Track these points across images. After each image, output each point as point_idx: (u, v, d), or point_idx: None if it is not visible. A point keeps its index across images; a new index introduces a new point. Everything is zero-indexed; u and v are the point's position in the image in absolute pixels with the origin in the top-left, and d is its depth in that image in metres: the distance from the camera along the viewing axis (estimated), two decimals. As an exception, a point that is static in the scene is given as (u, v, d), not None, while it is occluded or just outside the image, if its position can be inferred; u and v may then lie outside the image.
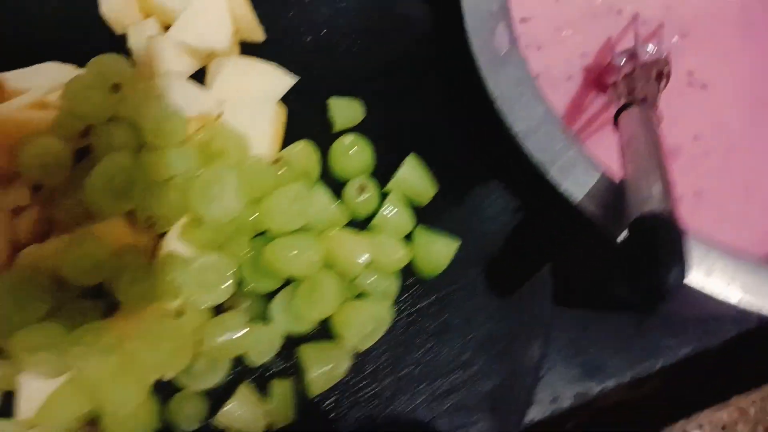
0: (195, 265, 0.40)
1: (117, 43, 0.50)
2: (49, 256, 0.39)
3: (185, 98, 0.43)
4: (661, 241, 0.32)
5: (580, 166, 0.42)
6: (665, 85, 0.51)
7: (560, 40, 0.60)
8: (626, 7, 0.60)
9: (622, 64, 0.54)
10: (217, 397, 0.41)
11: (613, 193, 0.41)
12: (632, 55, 0.54)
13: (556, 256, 0.46)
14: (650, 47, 0.55)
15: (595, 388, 0.55)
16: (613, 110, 0.47)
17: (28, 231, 0.41)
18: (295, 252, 0.40)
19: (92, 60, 0.42)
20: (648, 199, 0.36)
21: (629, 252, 0.33)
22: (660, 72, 0.52)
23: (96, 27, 0.50)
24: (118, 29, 0.50)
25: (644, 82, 0.51)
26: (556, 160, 0.42)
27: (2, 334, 0.38)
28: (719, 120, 0.57)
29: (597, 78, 0.58)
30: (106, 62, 0.41)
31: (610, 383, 0.55)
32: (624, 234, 0.36)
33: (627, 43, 0.57)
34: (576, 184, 0.42)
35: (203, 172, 0.41)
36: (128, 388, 0.38)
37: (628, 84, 0.51)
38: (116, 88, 0.41)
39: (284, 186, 0.43)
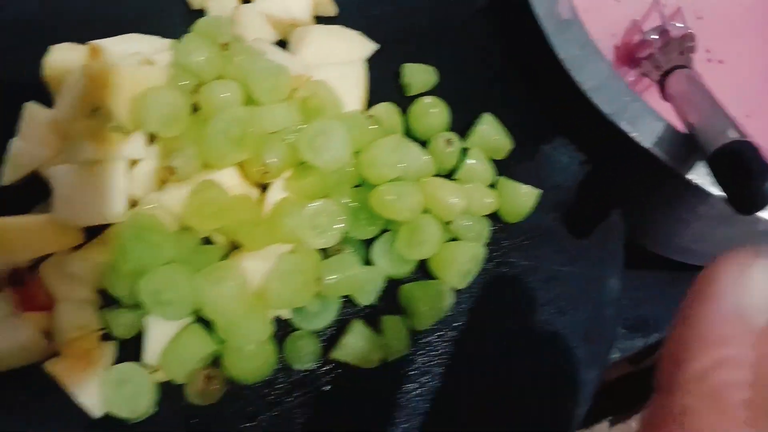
0: (308, 209, 0.42)
1: (195, 19, 0.52)
2: (170, 203, 0.41)
3: (279, 62, 0.46)
4: (750, 159, 0.37)
5: (646, 116, 0.47)
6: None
7: (588, 21, 0.65)
8: (650, -10, 0.66)
9: (654, 37, 0.60)
10: (330, 337, 0.43)
11: (680, 139, 0.46)
12: (663, 31, 0.60)
13: (624, 200, 0.50)
14: (678, 24, 0.61)
15: (639, 342, 0.59)
16: (651, 80, 0.53)
17: (144, 183, 0.42)
18: (400, 197, 0.43)
19: (199, 20, 0.44)
20: (724, 132, 0.41)
21: (721, 174, 0.38)
22: (689, 46, 0.58)
23: (172, 2, 0.53)
24: (196, 4, 0.52)
25: (677, 53, 0.56)
26: (624, 111, 0.47)
27: (129, 279, 0.40)
28: (737, 90, 0.63)
29: (627, 54, 0.63)
30: (212, 22, 0.44)
31: (655, 337, 0.59)
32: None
33: (652, 22, 0.63)
34: (645, 132, 0.46)
35: (309, 125, 0.44)
36: (254, 324, 0.40)
37: (663, 55, 0.57)
38: (225, 46, 0.43)
39: (380, 139, 0.45)
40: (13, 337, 0.40)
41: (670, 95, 0.50)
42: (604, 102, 0.47)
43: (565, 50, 0.49)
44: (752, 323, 0.22)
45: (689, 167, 0.45)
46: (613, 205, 0.50)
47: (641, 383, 0.44)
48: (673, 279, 0.61)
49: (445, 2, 0.55)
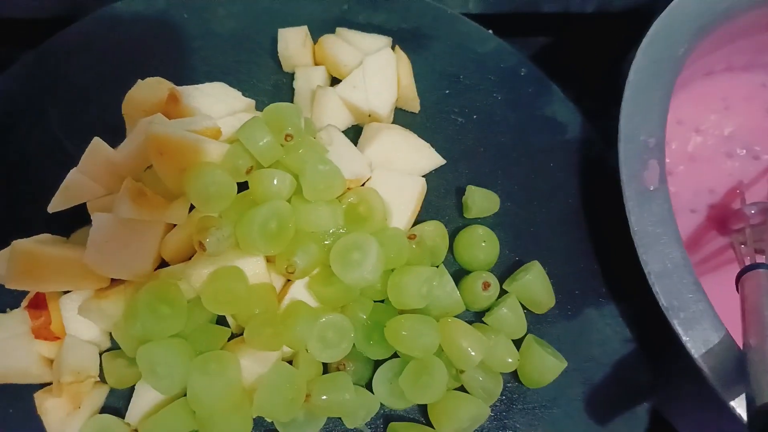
0: (322, 320, 0.41)
1: (282, 79, 0.53)
2: (193, 278, 0.41)
3: (341, 157, 0.45)
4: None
5: (705, 320, 0.43)
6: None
7: (692, 170, 0.60)
8: (765, 156, 0.60)
9: (751, 213, 0.55)
10: (307, 450, 0.43)
11: (733, 360, 0.41)
12: (764, 209, 0.54)
13: (657, 398, 0.46)
14: (783, 207, 0.55)
15: None
16: (735, 255, 0.48)
17: (174, 249, 0.43)
18: (417, 335, 0.41)
19: (271, 105, 0.44)
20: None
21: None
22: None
23: (266, 58, 0.53)
24: (287, 67, 0.53)
25: (772, 241, 0.51)
26: (683, 309, 0.43)
27: (133, 341, 0.40)
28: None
29: (721, 218, 0.58)
30: (283, 110, 0.44)
31: None
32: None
33: (757, 189, 0.58)
34: (698, 339, 0.42)
35: (347, 236, 0.43)
36: (233, 424, 0.40)
37: (754, 234, 0.52)
38: (288, 137, 0.43)
39: (418, 262, 0.44)
40: (17, 356, 0.42)
41: (743, 295, 0.45)
42: (665, 292, 0.44)
43: (640, 223, 0.45)
44: None
45: (733, 394, 0.41)
46: (645, 397, 0.46)
47: None
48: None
49: (532, 125, 0.53)
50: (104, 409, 0.43)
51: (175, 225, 0.43)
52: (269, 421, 0.42)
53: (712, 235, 0.58)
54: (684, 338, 0.42)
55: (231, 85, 0.50)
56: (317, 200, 0.43)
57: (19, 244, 0.41)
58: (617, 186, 0.46)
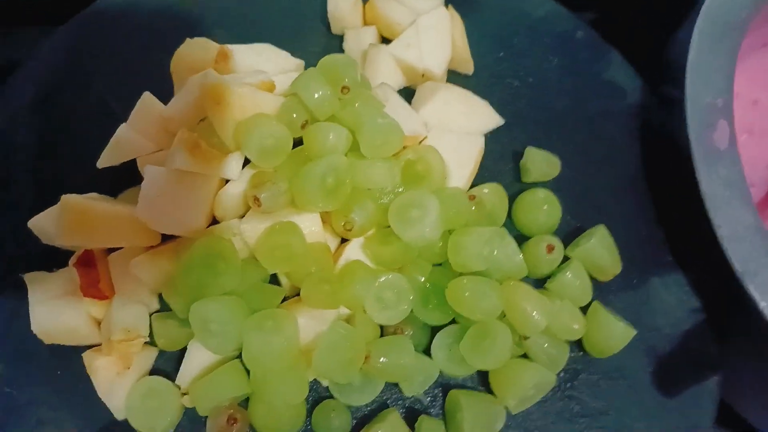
0: (380, 280, 0.40)
1: (331, 42, 0.51)
2: (248, 233, 0.40)
3: (396, 115, 0.44)
4: None
5: (783, 286, 0.40)
6: None
7: (749, 144, 0.58)
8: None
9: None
10: (363, 415, 0.41)
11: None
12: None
13: (727, 368, 0.44)
14: None
15: None
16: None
17: (227, 206, 0.41)
18: (479, 297, 0.39)
19: (327, 57, 0.43)
20: None
21: None
22: None
23: (314, 20, 0.52)
24: (336, 29, 0.51)
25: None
26: (759, 273, 0.41)
27: (185, 297, 0.39)
28: None
29: (779, 195, 0.56)
30: (339, 62, 0.42)
31: None
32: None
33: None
34: (777, 305, 0.40)
35: (407, 192, 0.41)
36: (289, 384, 0.38)
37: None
38: (345, 89, 0.41)
39: (477, 225, 0.42)
40: (64, 315, 0.40)
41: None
42: (738, 256, 0.41)
43: (709, 185, 0.43)
44: None
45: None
46: (713, 370, 0.44)
47: None
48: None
49: (590, 90, 0.51)
50: (153, 372, 0.41)
51: (227, 182, 0.41)
52: (324, 385, 0.41)
53: (771, 210, 0.56)
54: (762, 304, 0.40)
55: (279, 46, 0.49)
56: (374, 156, 0.41)
57: (69, 198, 0.40)
58: (678, 152, 0.44)
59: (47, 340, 0.41)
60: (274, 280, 0.42)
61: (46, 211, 0.41)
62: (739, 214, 0.42)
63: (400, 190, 0.42)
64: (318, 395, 0.41)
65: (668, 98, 0.51)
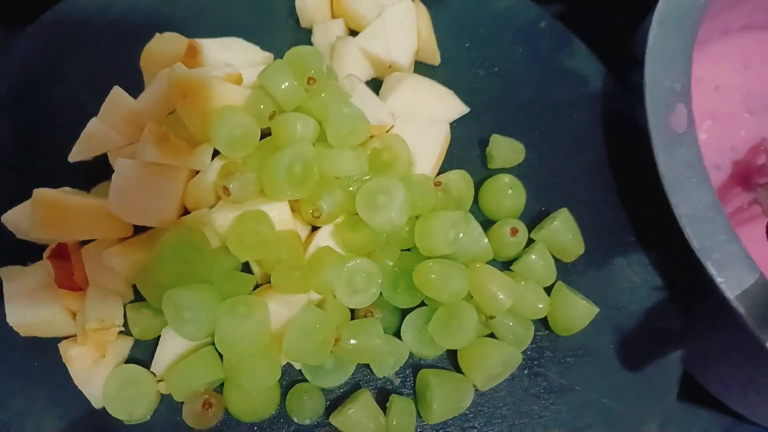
0: (349, 265, 0.41)
1: (300, 35, 0.52)
2: (218, 222, 0.40)
3: (363, 105, 0.45)
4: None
5: (738, 262, 0.42)
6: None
7: (714, 128, 0.59)
8: (786, 112, 0.59)
9: (774, 168, 0.54)
10: (337, 397, 0.42)
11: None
12: (788, 163, 0.54)
13: (689, 343, 0.45)
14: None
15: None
16: (762, 211, 0.47)
17: (197, 197, 0.42)
18: (446, 279, 0.41)
19: (293, 49, 0.43)
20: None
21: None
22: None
23: (283, 15, 0.52)
24: (304, 23, 0.52)
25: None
26: (716, 250, 0.42)
27: (158, 286, 0.39)
28: None
29: (744, 175, 0.58)
30: (305, 54, 0.43)
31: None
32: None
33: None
34: (733, 280, 0.41)
35: (373, 179, 0.42)
36: (262, 368, 0.39)
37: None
38: (311, 80, 0.42)
39: (442, 210, 0.43)
40: (40, 307, 0.41)
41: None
42: (696, 234, 0.43)
43: (668, 167, 0.44)
44: None
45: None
46: (677, 345, 0.45)
47: None
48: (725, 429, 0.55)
49: (554, 78, 0.52)
50: (129, 361, 0.42)
51: (197, 173, 0.42)
52: (297, 369, 0.42)
53: (737, 191, 0.57)
54: (718, 279, 0.41)
55: (249, 40, 0.50)
56: (341, 145, 0.42)
57: (42, 192, 0.40)
58: (642, 137, 0.46)
59: (23, 333, 0.41)
60: (246, 268, 0.43)
61: (19, 206, 0.42)
62: (697, 195, 0.44)
63: (367, 178, 0.43)
64: (291, 379, 0.42)
65: (632, 86, 0.52)
